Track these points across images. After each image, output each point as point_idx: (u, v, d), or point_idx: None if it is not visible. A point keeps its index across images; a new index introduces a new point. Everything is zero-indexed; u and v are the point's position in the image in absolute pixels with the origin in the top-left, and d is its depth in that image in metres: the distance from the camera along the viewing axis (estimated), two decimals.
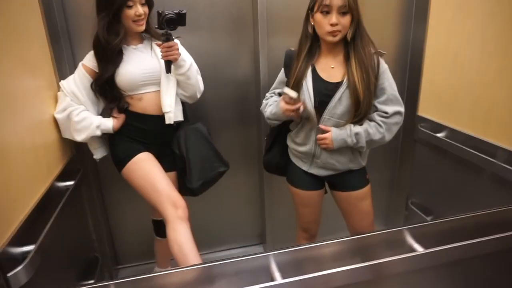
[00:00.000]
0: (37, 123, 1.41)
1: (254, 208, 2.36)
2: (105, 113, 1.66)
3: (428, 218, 2.12)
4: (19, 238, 1.10)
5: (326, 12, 1.34)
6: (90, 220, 1.94)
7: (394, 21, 2.08)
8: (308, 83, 1.45)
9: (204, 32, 1.91)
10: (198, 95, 1.72)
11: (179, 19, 1.44)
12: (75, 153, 1.76)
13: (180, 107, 1.67)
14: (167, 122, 1.60)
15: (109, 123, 1.59)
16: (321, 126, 1.47)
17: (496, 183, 1.62)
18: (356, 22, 1.37)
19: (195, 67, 1.66)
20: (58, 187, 1.51)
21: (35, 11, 1.53)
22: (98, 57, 1.53)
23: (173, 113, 1.60)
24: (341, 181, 1.60)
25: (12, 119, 1.20)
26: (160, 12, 1.41)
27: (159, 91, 1.60)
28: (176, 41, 1.58)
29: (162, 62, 1.55)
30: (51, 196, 1.40)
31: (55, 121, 1.56)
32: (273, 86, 1.66)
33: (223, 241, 2.40)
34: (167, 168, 1.69)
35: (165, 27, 1.43)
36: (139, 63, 1.57)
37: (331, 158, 1.52)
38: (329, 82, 1.44)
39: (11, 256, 1.05)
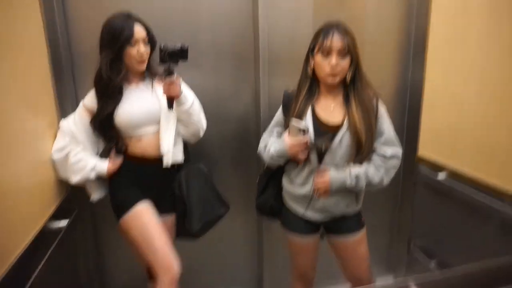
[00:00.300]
0: (34, 162, 1.36)
1: (252, 251, 2.27)
2: (105, 154, 1.63)
3: (432, 261, 2.06)
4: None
5: (327, 53, 1.36)
6: (81, 263, 1.84)
7: (393, 62, 2.12)
8: (307, 124, 1.44)
9: (206, 69, 1.93)
10: (201, 134, 1.68)
11: (181, 53, 1.41)
12: (70, 191, 1.69)
13: (180, 147, 1.63)
14: (164, 165, 1.56)
15: (104, 166, 1.54)
16: (318, 168, 1.45)
17: (501, 226, 1.58)
18: (355, 65, 1.40)
19: (197, 104, 1.64)
20: (50, 228, 1.44)
21: (41, 47, 1.54)
22: (99, 94, 1.52)
23: (170, 155, 1.55)
24: (337, 225, 1.56)
25: (9, 158, 1.15)
26: (162, 46, 1.39)
27: (159, 131, 1.56)
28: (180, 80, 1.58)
29: (163, 99, 1.51)
30: (42, 239, 1.32)
31: (52, 160, 1.51)
32: (270, 127, 1.63)
33: (219, 284, 2.28)
34: (166, 210, 1.63)
35: (167, 60, 1.40)
36: (139, 103, 1.54)
37: (328, 201, 1.49)
38: (330, 124, 1.44)
39: None
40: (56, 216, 1.49)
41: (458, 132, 1.80)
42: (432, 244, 2.10)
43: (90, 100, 1.55)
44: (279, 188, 1.63)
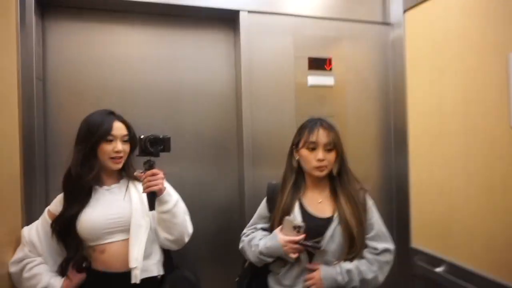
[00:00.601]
0: None
1: None
2: (65, 266, 1.41)
3: None
4: None
5: (312, 148, 1.38)
6: None
7: (376, 154, 2.14)
8: (296, 219, 1.38)
9: (188, 159, 1.90)
10: (186, 239, 1.45)
11: (163, 144, 1.32)
12: None
13: (157, 257, 1.41)
14: (132, 280, 1.30)
15: (57, 285, 1.32)
16: (308, 265, 1.36)
17: None
18: (341, 158, 1.42)
19: (182, 205, 1.46)
20: None
21: (13, 142, 1.47)
22: (66, 193, 1.38)
23: (139, 270, 1.30)
24: None
25: None
26: (141, 137, 1.30)
27: (127, 240, 1.35)
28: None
29: (137, 203, 1.37)
30: None
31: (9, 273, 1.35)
32: (252, 221, 1.56)
33: None
34: None
35: (147, 148, 1.29)
36: (106, 208, 1.37)
37: None
38: (319, 218, 1.39)
39: None
40: None
41: (450, 223, 1.74)
42: None
43: (56, 204, 1.41)
44: None
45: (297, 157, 1.43)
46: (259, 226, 1.51)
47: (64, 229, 1.35)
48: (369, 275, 1.33)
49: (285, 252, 1.33)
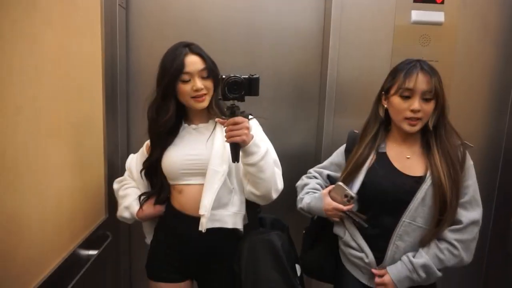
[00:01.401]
0: (67, 187, 1.28)
1: None
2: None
3: None
4: None
5: (406, 96, 1.15)
6: None
7: (484, 111, 1.80)
8: (374, 177, 1.21)
9: (265, 102, 1.78)
10: (274, 196, 1.25)
11: (248, 86, 1.10)
12: (107, 217, 1.60)
13: (234, 209, 1.27)
14: (199, 228, 1.21)
15: (135, 209, 1.33)
16: (374, 271, 1.20)
17: None
18: (441, 109, 1.18)
19: (272, 156, 1.27)
20: (79, 255, 1.34)
21: (96, 71, 1.49)
22: (150, 140, 1.33)
23: (206, 219, 1.20)
24: None
25: (39, 180, 1.08)
26: (223, 76, 1.10)
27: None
28: (253, 122, 1.31)
29: (219, 148, 1.23)
30: (68, 266, 1.22)
31: (86, 182, 1.43)
32: (324, 164, 1.43)
33: None
34: (221, 284, 1.31)
35: (226, 94, 1.09)
36: (187, 148, 1.28)
37: None
38: (407, 176, 1.19)
39: None
40: (87, 243, 1.39)
41: None
42: None
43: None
44: (332, 245, 1.37)
45: (385, 105, 1.23)
46: (326, 172, 1.39)
47: (151, 170, 1.34)
48: (452, 261, 1.14)
49: (327, 216, 1.26)
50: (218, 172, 1.22)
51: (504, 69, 1.75)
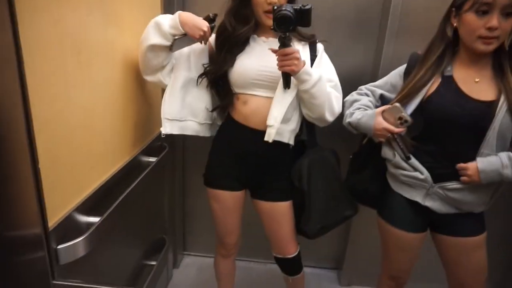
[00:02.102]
0: (131, 94, 1.35)
1: (338, 227, 2.07)
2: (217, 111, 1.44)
3: None
4: (86, 207, 1.03)
5: (483, 12, 1.03)
6: (166, 200, 1.88)
7: None
8: (437, 102, 1.14)
9: (322, 21, 1.69)
10: (330, 119, 1.29)
11: (299, 18, 1.07)
12: None
13: (293, 126, 1.31)
14: (265, 138, 1.26)
15: (174, 16, 1.19)
16: (460, 165, 1.14)
17: None
18: None
19: (330, 83, 1.30)
20: (140, 161, 1.46)
21: None
22: (219, 45, 1.30)
23: (275, 131, 1.25)
24: (453, 223, 1.24)
25: (106, 86, 1.15)
26: (275, 8, 1.08)
27: (271, 99, 1.27)
28: (319, 45, 1.33)
29: None
30: (130, 169, 1.33)
31: (146, 94, 1.48)
32: (377, 82, 1.36)
33: None
34: (275, 198, 1.40)
35: (275, 28, 1.08)
36: (260, 58, 1.28)
37: (462, 192, 1.17)
38: (476, 100, 1.11)
39: (75, 224, 0.98)
40: (147, 150, 1.50)
41: None
42: None
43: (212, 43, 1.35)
44: (379, 169, 1.36)
45: (455, 24, 1.11)
46: (380, 92, 1.33)
47: (217, 80, 1.34)
48: None
49: (374, 135, 1.23)
50: (291, 88, 1.25)
51: None
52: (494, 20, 1.02)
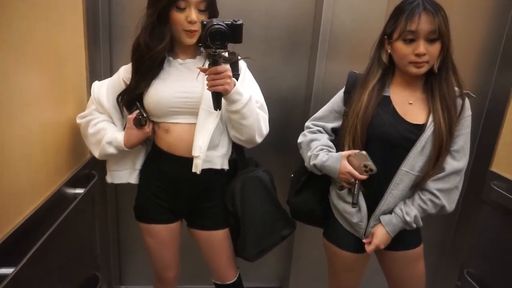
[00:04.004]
0: (51, 121, 1.22)
1: (281, 246, 2.06)
2: None
3: None
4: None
5: (410, 40, 1.10)
6: (98, 234, 1.72)
7: (475, 59, 1.79)
8: (379, 122, 1.18)
9: (256, 43, 1.71)
10: (258, 140, 1.26)
11: (232, 33, 1.02)
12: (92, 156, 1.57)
13: (223, 151, 1.27)
14: (193, 169, 1.20)
15: (120, 140, 1.23)
16: (364, 240, 1.24)
17: None
18: (446, 51, 1.12)
19: (258, 101, 1.26)
20: (66, 193, 1.32)
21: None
22: (134, 65, 1.22)
23: (201, 161, 1.19)
24: (393, 239, 1.27)
25: (22, 113, 1.02)
26: (205, 23, 1.02)
27: (195, 124, 1.21)
28: (242, 63, 1.28)
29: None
30: (53, 204, 1.20)
31: (70, 118, 1.35)
32: (321, 113, 1.36)
33: (244, 279, 2.10)
34: (211, 227, 1.34)
35: (209, 44, 1.01)
36: (177, 83, 1.21)
37: None
38: (409, 123, 1.17)
39: None
40: (73, 181, 1.36)
41: None
42: (489, 275, 1.80)
43: (128, 71, 1.27)
44: (323, 190, 1.37)
45: (388, 50, 1.17)
46: (330, 126, 1.33)
47: (132, 102, 1.25)
48: (434, 210, 1.18)
49: (338, 178, 1.22)
50: (212, 112, 1.18)
51: (499, 21, 1.72)
52: (420, 47, 1.08)
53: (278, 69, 1.77)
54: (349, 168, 1.17)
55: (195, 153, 1.19)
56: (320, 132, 1.34)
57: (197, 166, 1.20)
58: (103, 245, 1.79)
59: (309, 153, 1.28)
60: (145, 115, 1.23)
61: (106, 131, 1.25)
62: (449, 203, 1.18)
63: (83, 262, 1.59)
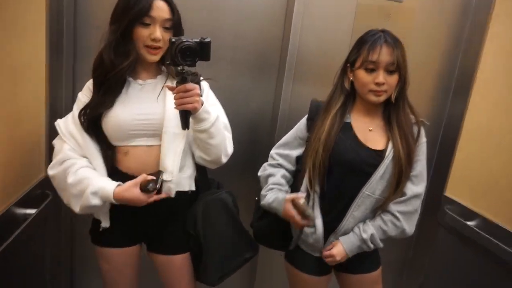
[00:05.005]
0: (1, 139, 1.15)
1: (244, 267, 2.03)
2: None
3: None
4: None
5: (371, 69, 1.16)
6: (48, 257, 1.61)
7: (431, 90, 1.90)
8: (341, 147, 1.21)
9: (223, 64, 1.71)
10: (224, 160, 1.25)
11: (200, 50, 1.02)
12: (47, 174, 1.48)
13: (189, 172, 1.24)
14: (164, 195, 1.17)
15: (111, 188, 1.11)
16: (325, 253, 1.25)
17: None
18: (403, 82, 1.20)
19: (222, 121, 1.24)
20: (15, 214, 1.23)
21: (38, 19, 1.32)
22: (97, 82, 1.16)
23: (174, 184, 1.17)
24: (352, 262, 1.31)
25: None
26: (173, 40, 1.01)
27: (155, 146, 1.17)
28: (204, 84, 1.26)
29: (172, 108, 1.12)
30: (3, 224, 1.12)
31: (23, 135, 1.27)
32: (286, 140, 1.38)
33: None
34: (173, 249, 1.29)
35: (178, 61, 1.01)
36: (135, 106, 1.16)
37: None
38: (370, 149, 1.22)
39: None
40: (23, 202, 1.28)
41: (498, 179, 1.57)
42: None
43: (89, 90, 1.20)
44: None
45: (351, 78, 1.23)
46: (295, 155, 1.34)
47: (93, 122, 1.17)
48: (394, 232, 1.22)
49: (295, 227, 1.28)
50: (178, 134, 1.16)
51: (452, 49, 1.84)
52: (380, 76, 1.15)
53: (246, 90, 1.78)
54: (290, 213, 1.19)
55: (166, 177, 1.15)
56: (280, 166, 1.36)
57: (171, 190, 1.17)
58: (54, 270, 1.67)
59: (262, 191, 1.32)
60: (157, 186, 1.13)
61: (90, 180, 1.12)
62: (409, 226, 1.23)
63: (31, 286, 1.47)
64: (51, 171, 1.17)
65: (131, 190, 1.10)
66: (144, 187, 1.10)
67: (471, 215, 1.68)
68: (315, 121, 1.28)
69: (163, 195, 1.17)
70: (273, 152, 1.40)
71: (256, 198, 1.46)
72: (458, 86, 1.85)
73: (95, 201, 1.10)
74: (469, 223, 1.67)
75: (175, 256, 1.30)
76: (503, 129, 1.58)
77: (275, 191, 1.29)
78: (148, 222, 1.25)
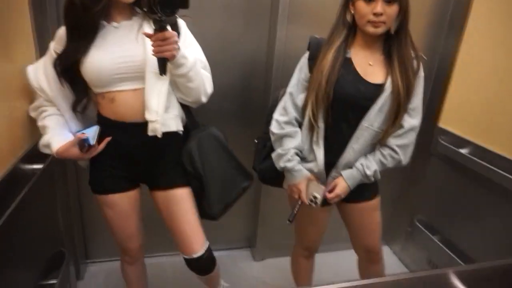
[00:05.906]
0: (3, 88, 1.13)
1: (247, 208, 2.13)
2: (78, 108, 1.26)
3: (434, 238, 1.97)
4: None
5: (370, 0, 1.13)
6: (59, 209, 1.66)
7: (426, 24, 1.89)
8: (341, 82, 1.22)
9: (214, 8, 1.65)
10: (204, 99, 1.28)
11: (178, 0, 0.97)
12: None
13: (175, 112, 1.25)
14: (150, 133, 1.18)
15: (55, 146, 1.17)
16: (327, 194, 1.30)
17: None
18: (404, 14, 1.17)
19: (200, 63, 1.24)
20: (23, 169, 1.25)
21: None
22: (68, 29, 1.12)
23: (160, 124, 1.17)
24: (353, 191, 1.36)
25: None
26: None
27: (141, 89, 1.17)
28: (181, 22, 1.23)
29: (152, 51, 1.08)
30: (9, 183, 1.13)
31: (27, 92, 1.25)
32: (292, 86, 1.33)
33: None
34: (169, 183, 1.32)
35: (157, 10, 0.96)
36: (115, 48, 1.13)
37: None
38: (369, 83, 1.23)
39: None
40: (30, 156, 1.29)
41: (492, 106, 1.62)
42: (438, 221, 2.00)
43: (61, 39, 1.15)
44: None
45: (352, 11, 1.20)
46: (299, 101, 1.31)
47: (68, 70, 1.15)
48: (391, 164, 1.28)
49: (288, 187, 1.36)
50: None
51: None
52: (378, 6, 1.13)
53: (238, 33, 1.74)
54: (302, 188, 1.29)
55: (151, 117, 1.17)
56: (295, 123, 1.33)
57: (157, 130, 1.18)
58: (66, 221, 1.74)
59: (280, 151, 1.32)
60: (92, 143, 1.17)
61: (47, 130, 1.19)
62: (405, 158, 1.29)
63: (47, 239, 1.53)
64: (31, 113, 1.25)
65: (70, 150, 1.18)
66: (81, 145, 1.16)
67: (463, 142, 1.75)
68: (317, 57, 1.26)
69: (102, 145, 1.22)
70: (285, 104, 1.34)
71: (256, 140, 1.50)
72: (452, 21, 1.84)
73: (47, 151, 1.21)
74: (461, 150, 1.75)
75: (176, 190, 1.32)
76: (496, 59, 1.60)
77: (298, 160, 1.31)
78: (143, 163, 1.29)
